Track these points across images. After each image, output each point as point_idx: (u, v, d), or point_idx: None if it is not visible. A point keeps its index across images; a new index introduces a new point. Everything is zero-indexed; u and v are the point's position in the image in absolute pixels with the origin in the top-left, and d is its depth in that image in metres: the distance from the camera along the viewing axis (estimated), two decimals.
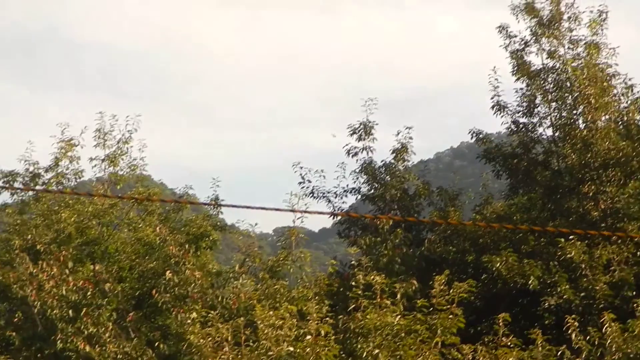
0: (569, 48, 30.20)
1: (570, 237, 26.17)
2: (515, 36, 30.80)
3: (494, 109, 30.96)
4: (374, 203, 31.59)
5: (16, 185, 29.85)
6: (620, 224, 27.62)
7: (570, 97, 29.79)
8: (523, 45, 30.71)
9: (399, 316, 20.69)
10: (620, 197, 28.46)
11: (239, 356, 20.17)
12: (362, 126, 31.46)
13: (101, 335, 24.54)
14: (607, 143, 28.62)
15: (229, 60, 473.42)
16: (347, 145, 31.64)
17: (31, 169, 30.40)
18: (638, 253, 27.24)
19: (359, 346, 20.52)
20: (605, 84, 29.59)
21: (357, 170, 31.77)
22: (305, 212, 31.11)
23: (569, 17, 30.19)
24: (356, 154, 31.73)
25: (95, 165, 31.14)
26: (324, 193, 31.57)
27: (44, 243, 26.95)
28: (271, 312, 20.94)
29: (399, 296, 21.50)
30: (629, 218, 27.92)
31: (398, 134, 32.21)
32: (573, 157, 29.34)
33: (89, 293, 25.59)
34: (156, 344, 24.70)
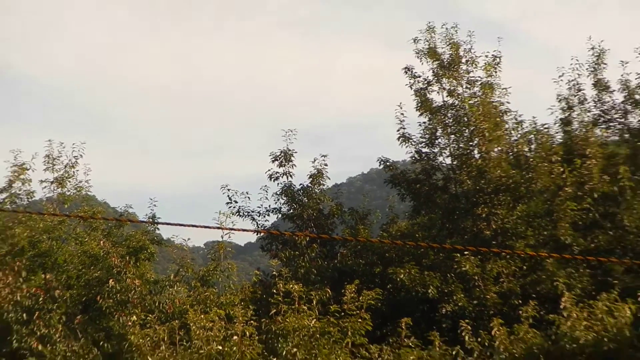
0: (466, 87, 30.58)
1: (465, 252, 26.55)
2: (419, 76, 31.04)
3: (400, 140, 31.23)
4: (293, 221, 31.73)
5: None
6: (509, 241, 27.99)
7: (467, 130, 30.15)
8: (426, 85, 30.93)
9: (314, 320, 20.82)
10: (509, 218, 28.72)
11: (174, 354, 20.19)
12: (282, 154, 31.73)
13: (52, 336, 24.54)
14: (498, 171, 28.97)
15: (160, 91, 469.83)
16: (269, 170, 31.96)
17: None
18: (524, 267, 27.57)
19: (280, 346, 20.62)
20: (497, 119, 30.05)
21: (278, 193, 32.00)
22: (232, 229, 30.96)
23: (467, 61, 30.61)
24: (277, 178, 31.96)
25: (45, 187, 30.99)
26: (248, 212, 31.79)
27: (0, 255, 26.97)
28: (202, 316, 21.14)
29: (314, 302, 21.59)
30: (517, 237, 28.29)
31: (314, 160, 32.43)
32: (469, 182, 29.67)
33: (40, 299, 25.60)
34: (101, 343, 24.61)
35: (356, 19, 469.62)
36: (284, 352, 20.38)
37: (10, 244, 27.78)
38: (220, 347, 19.96)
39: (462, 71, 30.61)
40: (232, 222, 31.06)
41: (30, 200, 31.29)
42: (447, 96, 30.78)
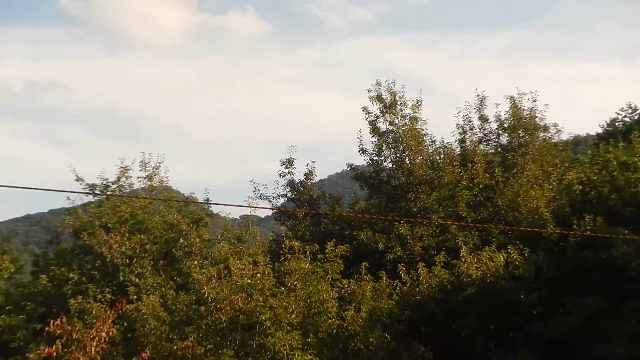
0: (400, 119, 30.66)
1: (401, 221, 27.15)
2: (371, 112, 31.11)
3: (360, 151, 31.53)
4: (294, 202, 31.94)
5: (96, 191, 30.20)
6: (428, 215, 28.52)
7: (400, 146, 30.43)
8: (375, 117, 30.98)
9: (308, 263, 21.25)
10: (428, 200, 29.24)
11: (220, 285, 20.18)
12: (287, 160, 31.88)
13: (144, 273, 24.87)
14: (420, 171, 29.44)
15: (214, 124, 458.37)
16: (279, 170, 32.17)
17: (104, 182, 30.78)
18: (437, 231, 27.93)
19: (286, 280, 21.02)
20: (419, 139, 30.39)
21: (285, 184, 32.17)
22: (256, 207, 31.70)
23: (400, 103, 30.72)
24: (284, 175, 32.15)
25: (140, 181, 31.49)
26: (267, 196, 32.03)
27: (112, 223, 27.37)
28: (238, 262, 21.42)
29: (307, 253, 21.86)
30: (432, 212, 28.80)
31: (307, 165, 32.76)
32: (402, 178, 30.02)
33: (137, 250, 25.97)
34: (175, 278, 24.98)
35: (331, 79, 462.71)
36: (289, 284, 20.81)
37: (119, 216, 27.96)
38: (249, 281, 20.13)
39: (397, 109, 30.64)
40: (257, 203, 31.34)
41: (130, 189, 31.43)
42: (388, 125, 30.79)
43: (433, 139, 31.38)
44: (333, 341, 20.07)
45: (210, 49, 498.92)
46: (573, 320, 20.91)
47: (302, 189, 32.13)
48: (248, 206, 29.30)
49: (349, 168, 32.92)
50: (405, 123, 30.58)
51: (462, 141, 32.13)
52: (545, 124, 31.99)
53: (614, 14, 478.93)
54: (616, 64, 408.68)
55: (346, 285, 21.59)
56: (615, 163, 25.97)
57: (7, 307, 25.47)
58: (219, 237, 28.81)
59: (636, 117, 51.95)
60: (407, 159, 30.53)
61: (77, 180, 30.67)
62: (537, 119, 31.30)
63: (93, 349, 16.09)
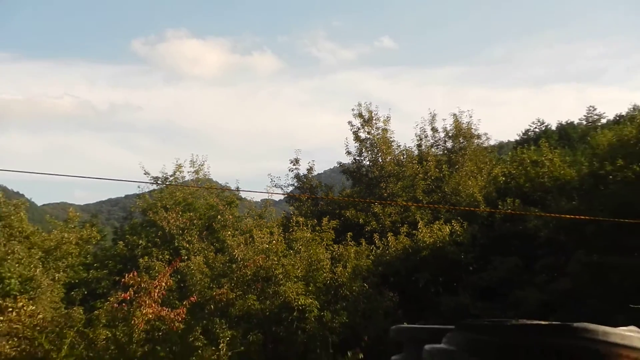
0: (375, 130, 29.85)
1: (374, 203, 26.30)
2: (354, 125, 30.16)
3: (346, 153, 30.67)
4: (299, 189, 31.02)
5: (158, 182, 29.69)
6: (394, 198, 27.61)
7: (376, 149, 29.61)
8: (357, 129, 30.12)
9: (309, 233, 20.81)
10: (394, 188, 28.24)
11: (247, 249, 19.68)
12: (294, 159, 30.93)
13: (192, 240, 24.29)
14: (389, 167, 28.65)
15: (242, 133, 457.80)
16: (289, 167, 31.24)
17: (164, 175, 29.91)
18: (402, 210, 27.04)
19: (293, 245, 20.54)
20: (389, 144, 29.60)
21: (293, 177, 31.18)
22: (272, 193, 31.37)
23: (375, 118, 29.90)
24: (292, 170, 31.14)
25: (190, 174, 30.66)
26: (280, 185, 31.12)
27: (170, 204, 26.80)
28: (259, 232, 20.95)
29: (309, 225, 21.51)
30: (397, 196, 27.86)
31: (308, 163, 32.10)
32: (376, 172, 29.23)
33: (187, 224, 25.42)
34: (214, 244, 24.42)
35: (326, 101, 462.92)
36: (295, 248, 20.35)
37: (174, 200, 27.43)
38: (267, 246, 19.63)
39: (373, 123, 29.90)
40: (273, 190, 31.06)
41: (182, 180, 30.64)
42: (367, 134, 30.06)
43: (399, 144, 30.86)
44: (327, 289, 19.70)
45: (240, 79, 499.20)
46: (498, 273, 20.60)
47: (305, 180, 31.45)
48: (266, 192, 29.25)
49: (338, 165, 32.27)
50: (379, 133, 29.97)
51: (419, 146, 31.36)
52: (478, 133, 31.16)
53: (525, 53, 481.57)
54: (527, 91, 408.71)
55: (336, 249, 21.11)
56: (528, 161, 25.48)
57: (95, 265, 25.03)
58: (245, 214, 28.53)
59: (543, 128, 51.68)
60: (380, 159, 29.91)
61: (145, 174, 30.36)
62: (472, 129, 30.55)
63: (156, 294, 16.09)
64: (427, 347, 2.34)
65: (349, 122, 30.80)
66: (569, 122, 53.02)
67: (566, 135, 42.58)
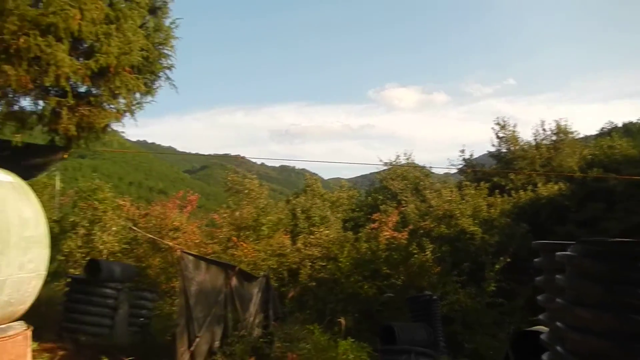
0: (508, 131, 28.52)
1: (511, 173, 24.89)
2: (495, 129, 28.20)
3: (492, 145, 28.71)
4: (466, 166, 27.68)
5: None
6: (524, 170, 25.96)
7: (509, 142, 28.34)
8: (497, 130, 28.35)
9: (473, 190, 20.87)
10: (522, 163, 26.70)
11: (438, 199, 20.45)
12: (462, 150, 28.21)
13: (408, 196, 23.95)
14: (518, 153, 27.39)
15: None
16: (458, 154, 28.47)
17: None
18: (528, 177, 24.14)
19: (465, 197, 20.37)
20: (517, 139, 28.56)
21: (461, 159, 28.05)
22: (449, 167, 30.28)
23: (508, 125, 28.10)
24: (460, 156, 28.16)
25: (403, 159, 28.97)
26: (455, 165, 28.40)
27: (394, 177, 27.05)
28: (445, 190, 21.39)
29: (473, 187, 21.28)
30: (524, 169, 27.30)
31: (470, 151, 28.77)
32: (510, 155, 27.83)
33: (404, 186, 25.55)
34: (419, 198, 23.46)
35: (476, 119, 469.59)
36: (465, 199, 20.21)
37: (395, 174, 26.98)
38: (449, 197, 20.20)
39: (507, 127, 28.68)
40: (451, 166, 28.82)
41: (398, 163, 28.19)
42: (504, 134, 28.58)
43: (522, 139, 28.63)
44: (485, 222, 19.80)
45: (426, 108, 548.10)
46: (590, 213, 20.61)
47: (468, 161, 29.09)
48: (446, 167, 30.37)
49: (487, 152, 29.72)
50: (510, 133, 28.75)
51: (535, 139, 28.99)
52: (572, 130, 29.35)
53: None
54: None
55: (489, 200, 20.87)
56: (606, 145, 26.16)
57: (356, 209, 25.73)
58: (435, 181, 27.39)
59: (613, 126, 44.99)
60: (511, 147, 28.73)
61: (380, 160, 30.15)
62: (568, 128, 28.83)
63: (390, 225, 17.51)
64: (558, 253, 3.17)
65: (492, 128, 29.26)
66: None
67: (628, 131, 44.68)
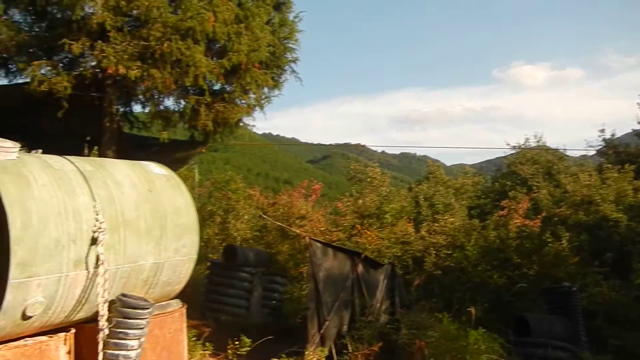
0: None
1: None
2: None
3: (637, 122, 25.57)
4: (606, 147, 26.15)
5: None
6: None
7: None
8: None
9: (616, 173, 19.57)
10: None
11: (574, 184, 19.71)
12: (601, 130, 25.79)
13: (540, 181, 23.28)
14: None
15: None
16: (598, 134, 26.27)
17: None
18: None
19: (605, 180, 19.52)
20: None
21: (602, 139, 25.55)
22: (586, 149, 26.89)
23: None
24: (600, 136, 25.98)
25: (534, 142, 27.61)
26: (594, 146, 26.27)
27: (523, 161, 26.18)
28: (582, 174, 20.64)
29: (615, 169, 19.73)
30: None
31: (611, 130, 26.77)
32: None
33: (535, 170, 24.67)
34: (552, 183, 22.73)
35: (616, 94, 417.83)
36: (607, 183, 19.34)
37: (524, 157, 26.41)
38: (587, 182, 19.29)
39: None
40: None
41: (528, 147, 27.04)
42: None
43: None
44: (631, 208, 20.14)
45: (558, 85, 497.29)
46: None
47: (610, 140, 26.56)
48: (583, 149, 26.01)
49: (632, 131, 25.85)
50: None
51: None
52: None
53: None
54: None
55: (635, 183, 19.60)
56: None
57: (482, 196, 25.14)
58: (571, 164, 26.08)
59: None
60: None
61: (507, 144, 28.92)
62: None
63: (520, 212, 17.19)
64: None
65: (638, 103, 25.92)
66: None
67: None
